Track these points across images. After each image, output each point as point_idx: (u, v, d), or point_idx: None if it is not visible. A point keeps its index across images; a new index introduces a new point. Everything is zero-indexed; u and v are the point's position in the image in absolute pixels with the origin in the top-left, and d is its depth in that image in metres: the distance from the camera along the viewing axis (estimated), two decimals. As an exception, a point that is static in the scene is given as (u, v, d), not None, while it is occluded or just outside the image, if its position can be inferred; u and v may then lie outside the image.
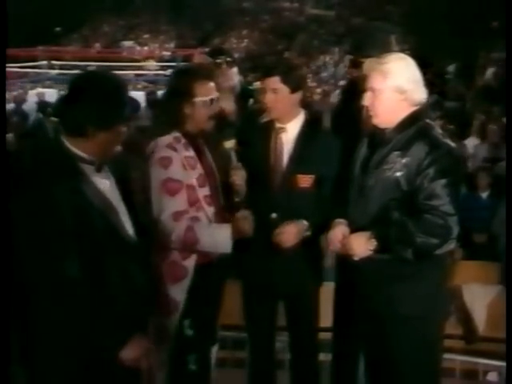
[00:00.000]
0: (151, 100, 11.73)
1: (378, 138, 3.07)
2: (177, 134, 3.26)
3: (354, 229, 3.02)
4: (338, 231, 3.08)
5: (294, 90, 3.43)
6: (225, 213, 3.34)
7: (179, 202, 3.19)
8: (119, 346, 2.59)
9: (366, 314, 3.16)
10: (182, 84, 3.29)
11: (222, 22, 27.03)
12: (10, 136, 8.02)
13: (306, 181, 3.43)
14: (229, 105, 4.25)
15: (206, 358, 3.41)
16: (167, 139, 3.24)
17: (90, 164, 2.64)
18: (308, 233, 3.38)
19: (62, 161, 2.60)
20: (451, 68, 14.87)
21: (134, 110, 9.33)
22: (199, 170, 3.28)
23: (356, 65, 3.60)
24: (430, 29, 20.26)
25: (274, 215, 3.43)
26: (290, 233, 3.34)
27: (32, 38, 22.28)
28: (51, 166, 2.59)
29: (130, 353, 2.60)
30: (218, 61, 4.35)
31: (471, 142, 9.16)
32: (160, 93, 14.42)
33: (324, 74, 20.54)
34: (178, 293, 3.26)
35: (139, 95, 12.36)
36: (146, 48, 26.65)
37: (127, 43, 27.10)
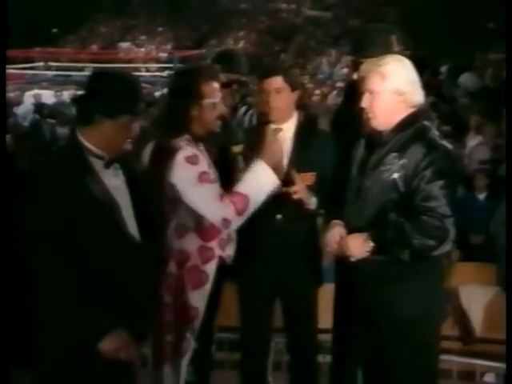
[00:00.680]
0: (148, 101, 11.72)
1: (376, 140, 3.07)
2: (187, 136, 3.19)
3: (351, 230, 3.02)
4: (335, 232, 3.08)
5: (293, 89, 3.44)
6: None
7: (218, 188, 3.14)
8: (99, 335, 2.59)
9: (363, 315, 3.16)
10: (188, 85, 3.20)
11: (219, 24, 27.00)
12: (6, 137, 8.00)
13: (307, 179, 3.42)
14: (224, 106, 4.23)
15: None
16: (183, 139, 3.17)
17: (99, 158, 2.70)
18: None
19: (73, 151, 2.69)
20: (443, 69, 14.88)
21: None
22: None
23: (357, 66, 3.60)
24: (427, 30, 20.27)
25: (278, 216, 3.43)
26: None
27: (29, 39, 22.25)
28: (63, 156, 2.74)
29: (108, 345, 2.58)
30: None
31: (468, 144, 9.15)
32: (157, 94, 14.47)
33: (321, 76, 20.52)
34: (199, 300, 3.21)
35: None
36: (142, 49, 26.61)
37: (124, 44, 27.07)
